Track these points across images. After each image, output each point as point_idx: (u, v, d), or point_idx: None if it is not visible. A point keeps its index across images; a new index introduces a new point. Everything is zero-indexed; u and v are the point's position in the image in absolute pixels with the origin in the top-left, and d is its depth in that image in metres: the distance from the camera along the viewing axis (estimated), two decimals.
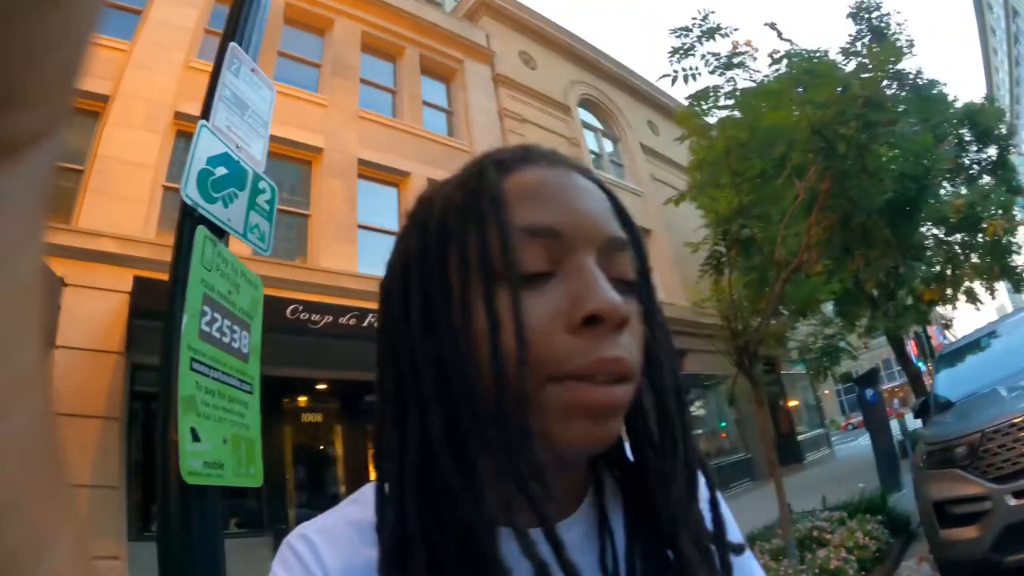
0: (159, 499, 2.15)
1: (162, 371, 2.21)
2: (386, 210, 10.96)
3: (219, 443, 2.29)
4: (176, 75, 8.83)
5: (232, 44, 3.13)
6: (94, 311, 6.97)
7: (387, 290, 0.56)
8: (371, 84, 11.87)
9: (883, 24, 7.77)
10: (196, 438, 2.14)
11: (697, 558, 0.54)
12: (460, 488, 0.47)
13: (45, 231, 0.20)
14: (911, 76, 9.40)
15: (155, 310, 6.29)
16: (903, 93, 8.90)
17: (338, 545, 0.52)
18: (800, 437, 19.22)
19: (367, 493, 0.55)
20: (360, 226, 10.17)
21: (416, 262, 0.53)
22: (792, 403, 19.97)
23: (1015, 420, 3.84)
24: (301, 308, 7.62)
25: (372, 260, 10.07)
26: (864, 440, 14.97)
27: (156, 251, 7.39)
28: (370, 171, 10.76)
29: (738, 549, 0.58)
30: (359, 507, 0.55)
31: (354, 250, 9.82)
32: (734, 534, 0.62)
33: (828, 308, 10.78)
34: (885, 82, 6.51)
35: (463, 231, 0.50)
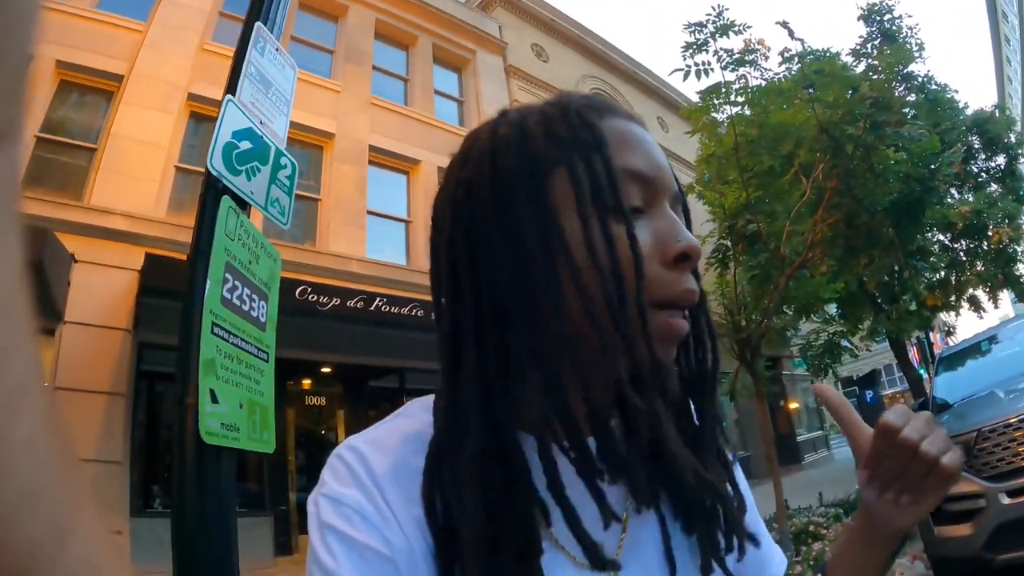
0: (175, 462, 2.18)
1: (182, 336, 2.27)
2: (395, 197, 11.01)
3: (235, 407, 2.36)
4: (191, 57, 8.88)
5: (258, 24, 3.16)
6: (103, 288, 7.04)
7: (465, 203, 0.58)
8: (384, 72, 11.90)
9: (894, 28, 7.77)
10: (215, 400, 2.20)
11: (718, 468, 0.63)
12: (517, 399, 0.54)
13: (19, 241, 0.20)
14: (920, 78, 9.37)
15: (164, 288, 6.41)
16: (912, 97, 8.89)
17: (386, 453, 0.57)
18: (799, 438, 19.29)
19: (415, 406, 0.61)
20: (369, 212, 10.22)
21: (510, 184, 0.55)
22: (792, 405, 20.02)
23: (1011, 420, 3.87)
24: (310, 290, 7.69)
25: (380, 245, 10.13)
26: None
27: (166, 230, 7.47)
28: (381, 158, 10.81)
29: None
30: (407, 419, 0.60)
31: (363, 235, 9.87)
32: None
33: (832, 309, 10.81)
34: (894, 84, 6.54)
35: (571, 160, 0.54)
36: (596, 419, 0.54)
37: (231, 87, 2.93)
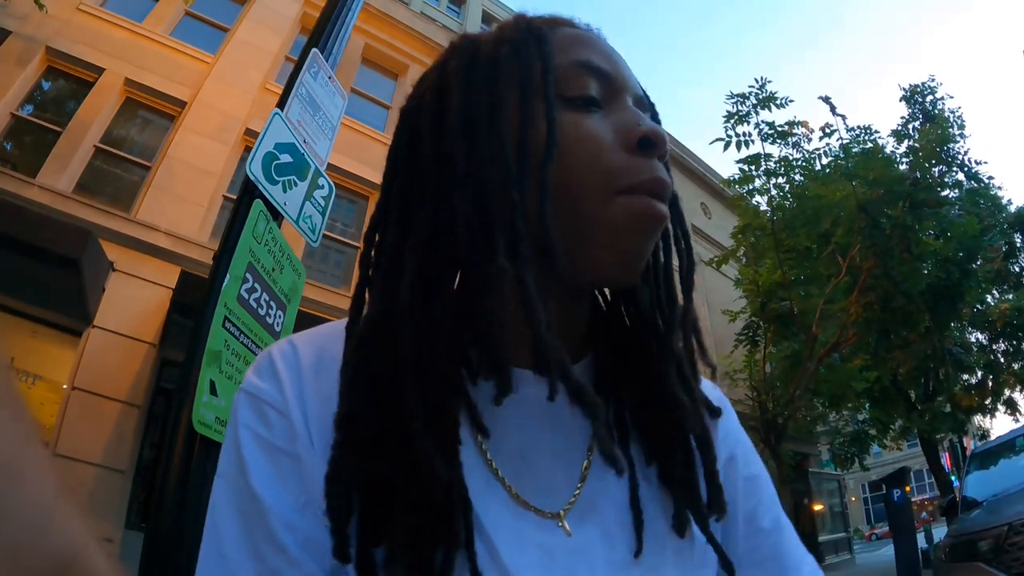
0: (164, 447, 2.13)
1: (194, 326, 2.28)
2: None
3: None
4: (252, 94, 9.28)
5: (314, 50, 3.30)
6: (136, 300, 7.17)
7: (415, 107, 0.58)
8: None
9: (937, 110, 7.79)
10: (214, 392, 2.18)
11: (690, 405, 0.56)
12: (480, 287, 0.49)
13: None
14: (961, 157, 9.20)
15: (195, 307, 6.48)
16: (951, 178, 8.74)
17: (315, 345, 0.55)
18: (821, 539, 18.42)
19: None
20: None
21: (463, 81, 0.54)
22: (817, 507, 19.20)
23: None
24: None
25: None
26: (888, 551, 14.30)
27: (205, 254, 7.62)
28: None
29: (715, 412, 0.61)
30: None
31: None
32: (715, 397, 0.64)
33: (864, 409, 10.46)
34: (934, 162, 6.50)
35: (515, 59, 0.54)
36: (537, 340, 0.47)
37: (281, 103, 3.04)
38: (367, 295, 0.54)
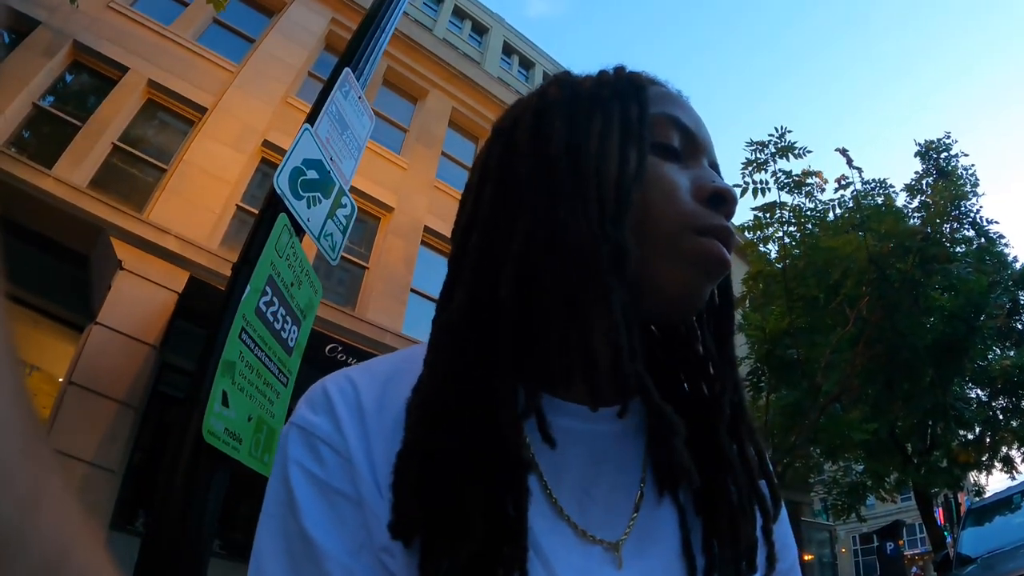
0: (166, 465, 2.12)
1: (209, 334, 2.27)
2: (442, 281, 10.93)
3: (244, 418, 2.31)
4: (273, 105, 9.36)
5: (347, 69, 3.33)
6: (141, 300, 7.16)
7: (512, 126, 0.60)
8: (451, 158, 12.09)
9: (950, 166, 7.87)
10: (225, 403, 2.16)
11: (739, 464, 0.56)
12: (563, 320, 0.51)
13: None
14: (973, 214, 9.20)
15: (200, 314, 6.45)
16: (962, 234, 8.74)
17: (376, 380, 0.54)
18: None
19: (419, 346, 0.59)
20: (413, 290, 10.13)
21: (566, 110, 0.57)
22: (807, 557, 18.97)
23: None
24: (340, 349, 7.61)
25: (418, 324, 9.88)
26: None
27: (214, 261, 7.63)
28: (433, 240, 10.85)
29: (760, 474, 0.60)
30: (414, 350, 0.59)
31: (403, 310, 9.79)
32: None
33: (859, 462, 10.37)
34: (946, 219, 6.54)
35: (616, 100, 0.57)
36: (623, 370, 0.49)
37: (311, 119, 3.07)
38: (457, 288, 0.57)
